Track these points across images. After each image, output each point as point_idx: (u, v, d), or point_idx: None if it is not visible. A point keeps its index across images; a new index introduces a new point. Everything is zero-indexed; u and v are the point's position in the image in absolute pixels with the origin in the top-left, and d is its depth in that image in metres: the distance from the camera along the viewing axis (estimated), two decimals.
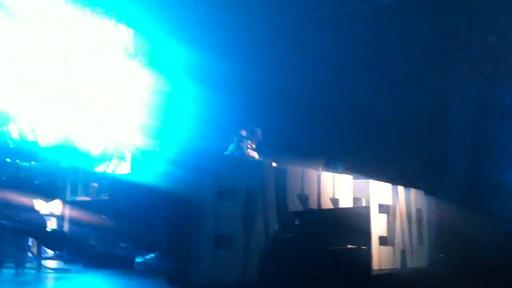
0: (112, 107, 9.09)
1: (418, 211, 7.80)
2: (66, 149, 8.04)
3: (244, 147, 7.44)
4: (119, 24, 9.20)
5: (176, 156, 6.48)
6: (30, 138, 7.10)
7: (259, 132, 7.60)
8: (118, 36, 9.29)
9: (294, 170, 6.15)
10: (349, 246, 5.13)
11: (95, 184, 8.14)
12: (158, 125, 9.06)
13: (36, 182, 6.32)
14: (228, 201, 5.40)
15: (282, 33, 9.77)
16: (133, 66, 9.40)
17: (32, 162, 6.60)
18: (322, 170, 6.85)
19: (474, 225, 8.05)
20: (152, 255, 6.40)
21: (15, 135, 6.74)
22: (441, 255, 8.08)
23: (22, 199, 5.97)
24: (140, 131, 8.67)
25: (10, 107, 7.00)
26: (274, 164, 6.42)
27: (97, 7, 8.85)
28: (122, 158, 8.24)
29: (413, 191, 7.75)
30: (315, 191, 6.32)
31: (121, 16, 9.18)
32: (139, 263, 6.45)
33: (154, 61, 9.64)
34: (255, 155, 7.45)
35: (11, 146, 6.39)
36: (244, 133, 7.47)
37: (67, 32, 8.63)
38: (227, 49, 9.47)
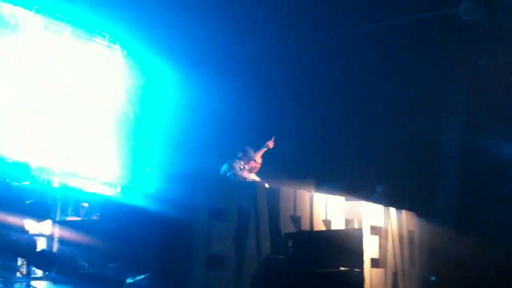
0: (100, 129, 9.02)
1: (410, 232, 7.80)
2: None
3: (237, 167, 7.43)
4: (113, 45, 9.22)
5: (168, 176, 6.46)
6: (21, 158, 7.06)
7: (252, 153, 7.60)
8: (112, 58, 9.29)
9: (287, 191, 6.15)
10: (341, 268, 5.12)
11: (86, 204, 8.08)
12: (149, 145, 9.03)
13: (27, 201, 6.26)
14: (221, 222, 5.37)
15: (274, 53, 9.85)
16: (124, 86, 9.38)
17: (23, 182, 6.55)
18: (313, 191, 6.86)
19: (465, 247, 8.08)
20: (143, 276, 6.32)
21: (6, 154, 6.71)
22: (433, 277, 8.08)
23: (12, 219, 5.91)
24: (130, 151, 8.63)
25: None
26: (266, 185, 6.42)
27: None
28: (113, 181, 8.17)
29: (404, 212, 7.76)
30: (307, 212, 6.31)
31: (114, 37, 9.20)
32: (129, 284, 6.36)
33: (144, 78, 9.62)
34: (249, 176, 7.44)
35: (1, 165, 6.34)
36: (241, 154, 7.48)
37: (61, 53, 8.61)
38: (220, 73, 9.53)
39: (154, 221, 5.78)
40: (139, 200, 6.41)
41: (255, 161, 7.62)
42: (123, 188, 7.53)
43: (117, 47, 9.21)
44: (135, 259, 6.23)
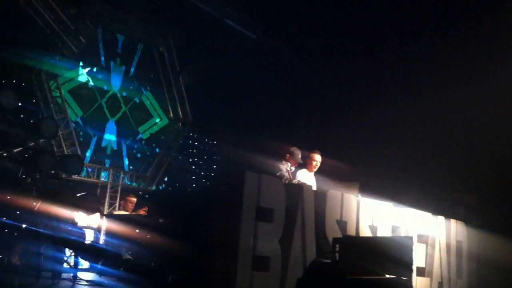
0: None
1: (458, 242, 7.60)
2: None
3: (284, 169, 7.40)
4: None
5: (217, 174, 6.50)
6: (74, 151, 7.23)
7: (299, 155, 7.56)
8: None
9: (334, 194, 6.09)
10: (387, 276, 5.02)
11: (134, 198, 8.20)
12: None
13: (78, 194, 6.43)
14: (267, 222, 5.36)
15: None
16: None
17: (75, 176, 6.72)
18: (357, 193, 6.78)
19: None
20: (187, 273, 6.38)
21: (60, 148, 6.88)
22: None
23: (64, 211, 6.06)
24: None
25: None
26: (314, 188, 6.36)
27: None
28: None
29: (453, 221, 7.57)
30: (354, 217, 6.24)
31: None
32: (173, 280, 6.43)
33: None
34: (296, 177, 7.38)
35: (56, 158, 6.51)
36: (287, 156, 7.45)
37: None
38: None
39: (201, 218, 5.83)
40: (187, 196, 6.48)
41: (302, 162, 7.58)
42: (170, 184, 7.63)
43: None
44: (180, 256, 6.29)
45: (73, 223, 6.33)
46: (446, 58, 9.59)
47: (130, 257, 7.29)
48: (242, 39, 9.27)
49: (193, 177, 7.06)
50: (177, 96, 8.24)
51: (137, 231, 7.22)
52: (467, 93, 9.27)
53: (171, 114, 8.31)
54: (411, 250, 4.99)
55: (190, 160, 7.85)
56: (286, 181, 7.15)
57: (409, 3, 9.69)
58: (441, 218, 7.36)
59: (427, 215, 7.14)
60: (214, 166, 6.88)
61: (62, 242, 6.17)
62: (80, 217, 6.62)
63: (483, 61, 9.29)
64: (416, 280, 6.72)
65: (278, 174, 7.26)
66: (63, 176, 6.97)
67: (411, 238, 5.22)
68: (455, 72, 9.64)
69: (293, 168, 7.43)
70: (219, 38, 8.96)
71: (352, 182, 8.34)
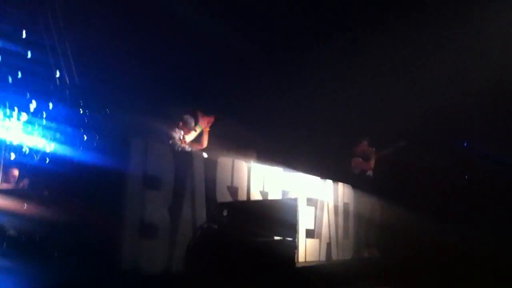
0: None
1: (345, 204, 7.97)
2: None
3: (177, 137, 7.31)
4: None
5: (101, 142, 6.28)
6: None
7: (193, 123, 7.48)
8: None
9: (225, 161, 6.11)
10: (275, 238, 5.15)
11: (16, 171, 7.76)
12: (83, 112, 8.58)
13: None
14: (155, 190, 5.28)
15: None
16: None
17: None
18: (254, 162, 6.86)
19: (403, 221, 8.25)
20: (73, 247, 6.16)
21: None
22: (366, 249, 8.29)
23: None
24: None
25: None
26: (204, 155, 6.34)
27: None
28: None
29: (341, 185, 7.91)
30: (244, 183, 6.31)
31: None
32: (59, 253, 6.19)
33: None
34: (189, 145, 7.32)
35: None
36: (180, 123, 7.35)
37: None
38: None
39: (87, 188, 5.62)
40: (72, 167, 6.21)
41: (195, 130, 7.52)
42: (54, 154, 7.26)
43: None
44: (66, 228, 6.06)
45: None
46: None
47: (14, 232, 6.95)
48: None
49: (81, 147, 6.78)
50: (64, 61, 7.79)
51: (25, 206, 6.88)
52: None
53: (57, 82, 7.87)
54: (295, 212, 5.15)
55: (78, 129, 7.51)
56: (179, 149, 7.09)
57: None
58: (329, 182, 7.66)
59: (316, 179, 7.40)
60: (101, 135, 6.62)
61: None
62: None
63: None
64: (306, 242, 6.99)
65: (170, 142, 7.16)
66: None
67: (295, 200, 5.40)
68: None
69: (186, 136, 7.36)
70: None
71: (250, 149, 8.46)
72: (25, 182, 7.52)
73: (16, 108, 7.56)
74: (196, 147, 7.42)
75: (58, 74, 7.99)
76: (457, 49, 9.28)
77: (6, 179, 7.64)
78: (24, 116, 7.56)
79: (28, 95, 7.62)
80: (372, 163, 8.90)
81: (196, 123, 7.50)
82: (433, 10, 9.39)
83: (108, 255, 5.11)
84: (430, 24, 9.45)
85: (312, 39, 10.09)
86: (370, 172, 8.62)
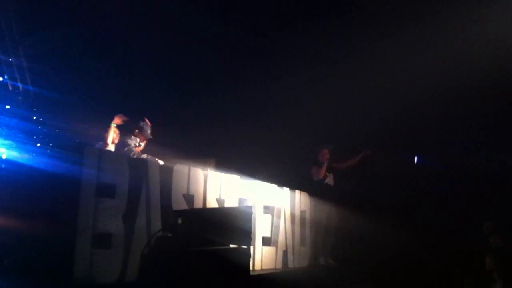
0: None
1: (302, 212, 8.04)
2: None
3: (132, 144, 7.25)
4: None
5: (54, 150, 6.16)
6: None
7: (149, 130, 7.44)
8: None
9: (181, 169, 6.07)
10: (231, 245, 5.16)
11: None
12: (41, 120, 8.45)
13: None
14: (109, 198, 5.20)
15: None
16: None
17: None
18: (212, 170, 6.85)
19: (359, 228, 8.38)
20: (23, 255, 6.00)
21: None
22: (322, 257, 8.37)
23: None
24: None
25: None
26: (160, 162, 6.31)
27: None
28: None
29: (298, 192, 7.98)
30: (201, 191, 6.29)
31: None
32: (8, 263, 6.02)
33: None
34: (144, 153, 7.27)
35: None
36: (136, 131, 7.29)
37: None
38: None
39: (39, 196, 5.51)
40: (24, 174, 6.07)
41: (151, 138, 7.47)
42: (6, 161, 7.07)
43: None
44: (16, 237, 5.90)
45: None
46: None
47: None
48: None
49: (33, 154, 6.61)
50: (16, 68, 7.61)
51: None
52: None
53: (10, 88, 7.68)
54: (250, 219, 5.17)
55: (31, 136, 7.32)
56: (135, 156, 7.02)
57: None
58: (286, 189, 7.72)
59: (273, 187, 7.44)
60: (53, 142, 6.49)
61: None
62: None
63: None
64: (262, 249, 7.01)
65: (125, 149, 7.10)
66: None
67: (250, 207, 5.41)
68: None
69: (141, 144, 7.30)
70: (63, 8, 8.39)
71: (209, 158, 8.46)
72: None
73: None
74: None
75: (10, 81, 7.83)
76: (417, 56, 9.42)
77: None
78: None
79: None
80: (333, 170, 8.96)
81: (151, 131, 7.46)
82: (389, 23, 9.54)
83: (60, 265, 5.00)
84: (389, 34, 9.57)
85: (273, 46, 10.17)
86: (329, 180, 8.70)
